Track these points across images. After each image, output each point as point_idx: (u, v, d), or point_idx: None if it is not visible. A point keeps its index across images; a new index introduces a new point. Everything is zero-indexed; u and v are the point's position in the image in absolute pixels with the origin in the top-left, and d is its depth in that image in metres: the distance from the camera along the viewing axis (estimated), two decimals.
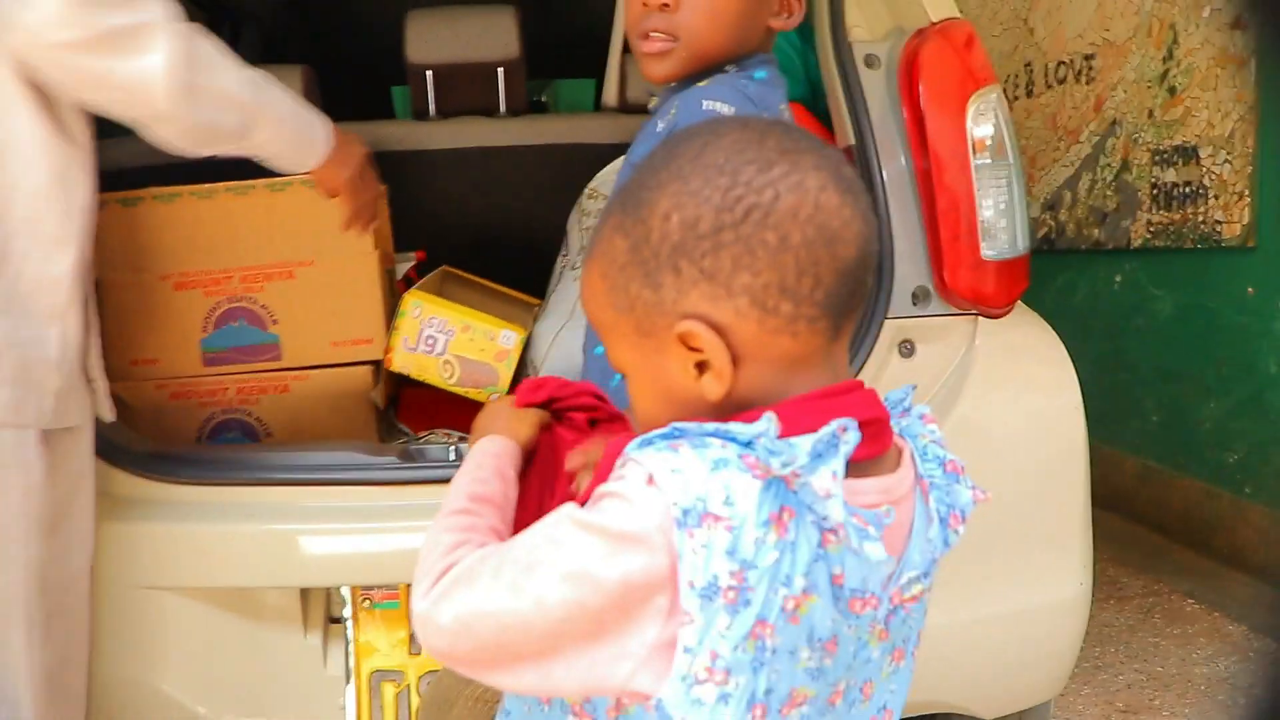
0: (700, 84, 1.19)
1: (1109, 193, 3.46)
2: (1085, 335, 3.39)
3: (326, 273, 1.81)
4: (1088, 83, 3.52)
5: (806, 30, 1.72)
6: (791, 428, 0.66)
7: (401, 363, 1.81)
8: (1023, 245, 1.54)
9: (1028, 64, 3.84)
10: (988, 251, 1.50)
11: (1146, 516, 3.26)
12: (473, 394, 1.81)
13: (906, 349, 1.51)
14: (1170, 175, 3.16)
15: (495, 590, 0.68)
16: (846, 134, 1.56)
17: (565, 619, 0.66)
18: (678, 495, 0.65)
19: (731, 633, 0.65)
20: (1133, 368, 3.38)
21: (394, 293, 1.95)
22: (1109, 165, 3.45)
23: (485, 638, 0.68)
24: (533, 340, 1.82)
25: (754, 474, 0.65)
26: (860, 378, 0.87)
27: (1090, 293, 3.61)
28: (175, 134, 1.29)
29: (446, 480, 1.43)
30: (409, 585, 1.59)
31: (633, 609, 0.66)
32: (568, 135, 2.32)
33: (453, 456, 1.52)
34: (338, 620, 1.53)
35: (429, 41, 2.18)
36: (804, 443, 0.65)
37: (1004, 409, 1.55)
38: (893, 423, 0.75)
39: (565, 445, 0.93)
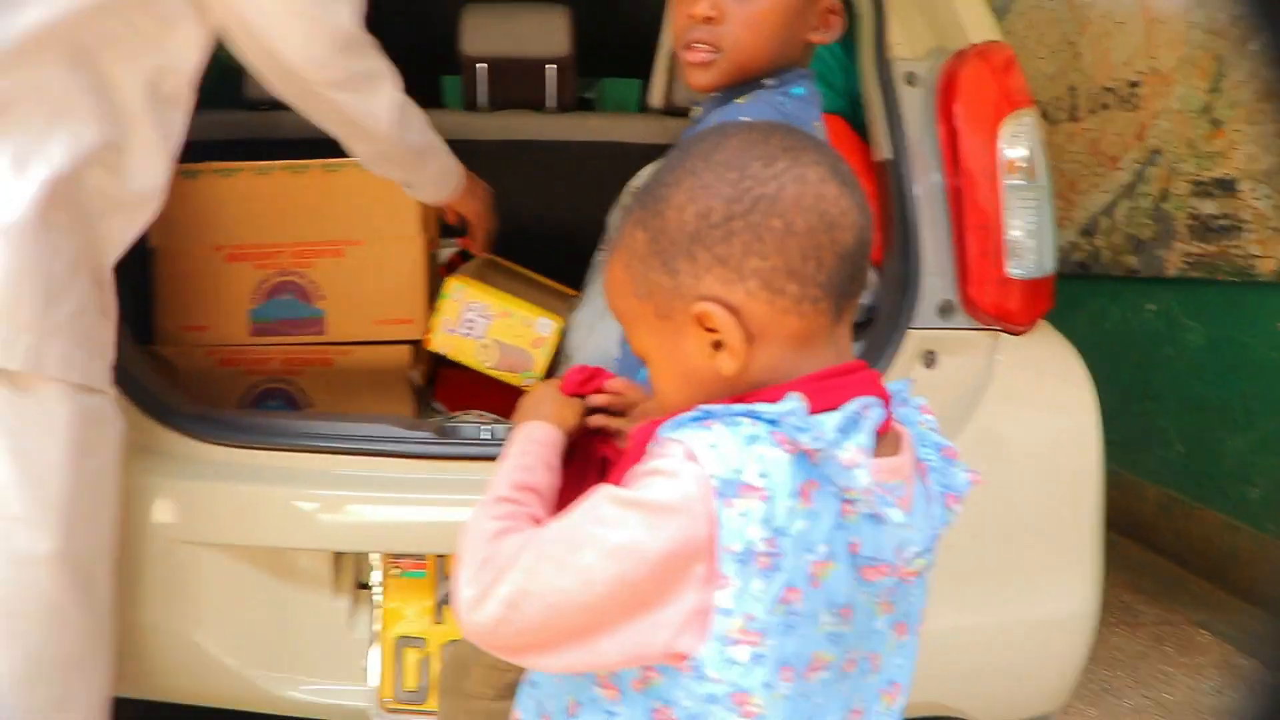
0: (739, 100, 1.23)
1: (1146, 221, 3.45)
2: (1115, 362, 3.38)
3: (373, 253, 1.88)
4: (1132, 110, 3.51)
5: (849, 43, 1.76)
6: (813, 405, 0.72)
7: (441, 343, 1.87)
8: (1049, 266, 1.57)
9: (1072, 88, 3.83)
10: (1014, 270, 1.53)
11: (1166, 546, 3.25)
12: (508, 378, 1.87)
13: (929, 359, 1.55)
14: (1208, 207, 3.15)
15: (541, 571, 0.71)
16: (883, 148, 1.59)
17: (611, 594, 0.70)
18: (716, 468, 0.70)
19: (766, 596, 0.70)
20: (1160, 397, 3.37)
21: (436, 276, 2.02)
22: (1148, 194, 3.44)
23: (533, 618, 0.71)
24: (569, 329, 1.87)
25: (784, 449, 0.71)
26: None
27: (1122, 320, 3.60)
28: (373, 155, 1.57)
29: (478, 458, 1.50)
30: (437, 556, 1.65)
31: (674, 578, 0.70)
32: (612, 133, 2.37)
33: (486, 436, 1.56)
34: (365, 586, 1.58)
35: (483, 35, 2.23)
36: (830, 419, 0.71)
37: (1021, 423, 1.58)
38: (892, 409, 0.80)
39: (600, 439, 0.97)
